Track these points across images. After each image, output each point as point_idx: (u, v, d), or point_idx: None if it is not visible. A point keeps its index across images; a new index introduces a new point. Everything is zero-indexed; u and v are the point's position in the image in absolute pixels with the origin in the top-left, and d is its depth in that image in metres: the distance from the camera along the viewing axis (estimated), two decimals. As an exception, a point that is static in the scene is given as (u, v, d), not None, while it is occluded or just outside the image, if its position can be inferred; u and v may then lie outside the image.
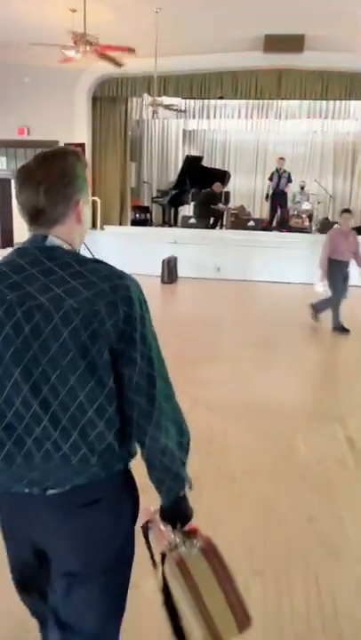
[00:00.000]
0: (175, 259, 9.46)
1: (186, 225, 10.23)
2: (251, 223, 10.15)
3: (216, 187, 10.61)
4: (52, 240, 1.16)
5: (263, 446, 3.31)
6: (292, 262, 9.67)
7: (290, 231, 10.37)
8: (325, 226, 10.56)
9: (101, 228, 10.16)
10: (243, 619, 1.18)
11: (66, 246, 1.18)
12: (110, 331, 1.12)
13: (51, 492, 1.16)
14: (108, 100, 11.00)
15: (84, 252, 1.24)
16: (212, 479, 2.89)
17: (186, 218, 10.41)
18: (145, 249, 9.53)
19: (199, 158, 11.85)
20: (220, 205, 10.82)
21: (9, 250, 1.54)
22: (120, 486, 1.23)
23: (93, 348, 1.11)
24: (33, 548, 1.29)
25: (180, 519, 1.22)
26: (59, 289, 1.11)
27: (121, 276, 1.17)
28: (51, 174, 1.14)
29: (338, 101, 11.38)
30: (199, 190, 10.86)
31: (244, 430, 3.52)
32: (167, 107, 9.62)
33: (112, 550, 1.24)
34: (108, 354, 1.13)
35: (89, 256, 1.21)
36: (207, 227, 10.35)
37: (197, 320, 6.53)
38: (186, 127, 13.15)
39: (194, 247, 9.77)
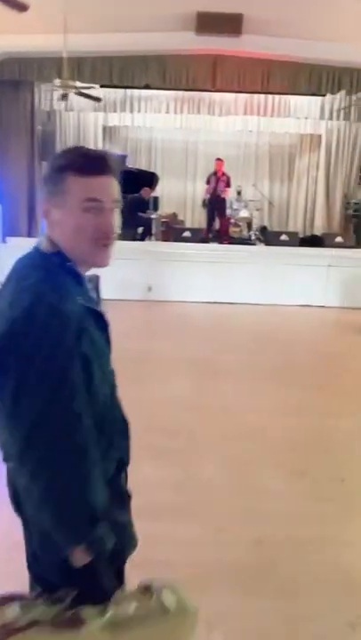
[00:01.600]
0: (97, 277, 7.72)
1: (109, 236, 8.53)
2: (186, 234, 8.63)
3: (145, 192, 9.01)
4: (39, 240, 1.18)
5: None
6: (237, 279, 8.27)
7: (231, 243, 8.97)
8: (266, 235, 9.28)
9: (3, 241, 8.23)
10: None
11: (45, 246, 1.15)
12: None
13: (8, 463, 1.15)
14: (10, 85, 9.12)
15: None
16: None
17: (109, 228, 8.72)
18: (59, 266, 7.74)
19: (122, 157, 10.23)
20: (150, 213, 9.23)
21: None
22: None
23: None
24: None
25: None
26: (4, 292, 1.12)
27: (29, 289, 1.07)
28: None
29: (278, 97, 10.17)
30: (124, 195, 9.27)
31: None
32: (81, 92, 7.89)
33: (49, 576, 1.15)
34: None
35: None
36: (135, 238, 8.71)
37: (126, 367, 4.91)
38: (106, 122, 11.44)
39: (119, 263, 8.00)
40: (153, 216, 9.14)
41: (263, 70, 9.03)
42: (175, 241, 8.69)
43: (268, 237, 8.65)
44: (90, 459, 1.05)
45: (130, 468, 1.29)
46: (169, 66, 8.85)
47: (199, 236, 8.69)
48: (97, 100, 8.40)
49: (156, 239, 9.70)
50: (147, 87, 9.21)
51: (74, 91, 7.76)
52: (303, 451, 3.39)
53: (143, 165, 12.05)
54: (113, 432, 1.18)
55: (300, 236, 9.28)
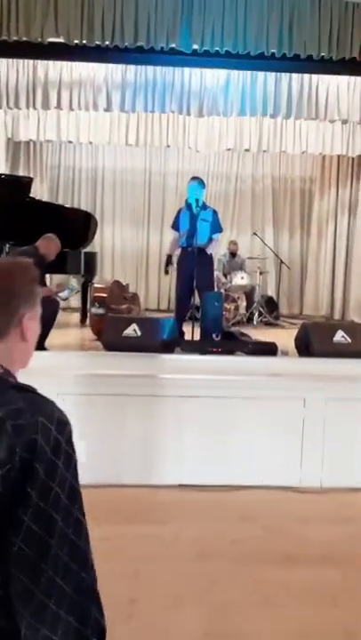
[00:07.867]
0: None
1: None
2: (132, 331, 4.01)
3: (44, 245, 4.47)
4: None
5: None
6: (242, 434, 3.62)
7: (224, 350, 4.31)
8: (309, 336, 4.36)
9: None
10: None
11: None
12: None
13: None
14: None
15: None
16: None
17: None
18: None
19: (24, 183, 5.75)
20: (60, 286, 4.67)
21: None
22: None
23: None
24: None
25: None
26: None
27: (37, 410, 0.92)
28: None
29: (295, 78, 5.87)
30: (12, 245, 4.86)
31: None
32: None
33: None
34: None
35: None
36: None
37: None
38: (15, 135, 7.06)
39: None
40: (63, 294, 4.54)
41: (279, 22, 4.78)
42: (114, 347, 4.08)
43: (312, 339, 3.96)
44: None
45: None
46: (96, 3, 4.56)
47: (159, 337, 4.04)
48: None
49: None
50: (49, 48, 4.84)
51: None
52: None
53: (84, 206, 7.71)
54: None
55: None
